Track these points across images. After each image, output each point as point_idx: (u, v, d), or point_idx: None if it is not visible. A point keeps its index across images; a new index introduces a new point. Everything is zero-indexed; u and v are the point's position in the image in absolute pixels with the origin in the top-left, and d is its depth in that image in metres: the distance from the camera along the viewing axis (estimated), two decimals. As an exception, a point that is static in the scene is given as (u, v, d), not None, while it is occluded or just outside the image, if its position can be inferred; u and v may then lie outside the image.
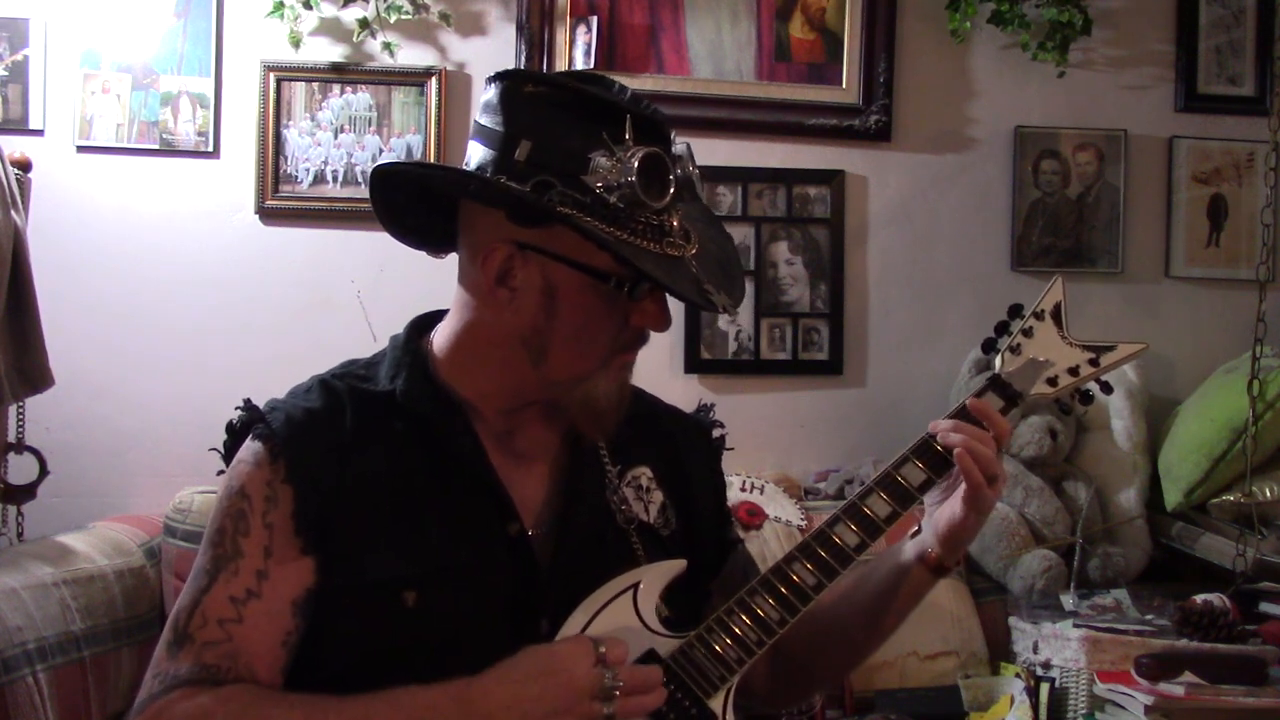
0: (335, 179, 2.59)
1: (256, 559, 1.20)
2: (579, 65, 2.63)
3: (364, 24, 2.53)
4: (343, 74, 2.59)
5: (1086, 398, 1.40)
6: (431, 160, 2.58)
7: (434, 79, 2.61)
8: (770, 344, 2.75)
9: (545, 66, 2.63)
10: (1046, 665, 2.19)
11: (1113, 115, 2.86)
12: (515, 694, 1.12)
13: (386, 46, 2.55)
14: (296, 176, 2.58)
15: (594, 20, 2.66)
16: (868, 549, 1.30)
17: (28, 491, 2.28)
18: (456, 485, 1.27)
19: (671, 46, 2.72)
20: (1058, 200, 2.84)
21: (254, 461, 1.24)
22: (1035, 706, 2.12)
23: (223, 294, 2.56)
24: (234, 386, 1.43)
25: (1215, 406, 2.54)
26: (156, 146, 2.54)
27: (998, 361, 1.38)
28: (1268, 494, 2.43)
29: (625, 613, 1.24)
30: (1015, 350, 1.38)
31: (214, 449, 1.33)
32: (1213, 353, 2.79)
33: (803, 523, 2.42)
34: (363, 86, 2.60)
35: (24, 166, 2.29)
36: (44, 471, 2.28)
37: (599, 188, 1.17)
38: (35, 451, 2.28)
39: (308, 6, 2.51)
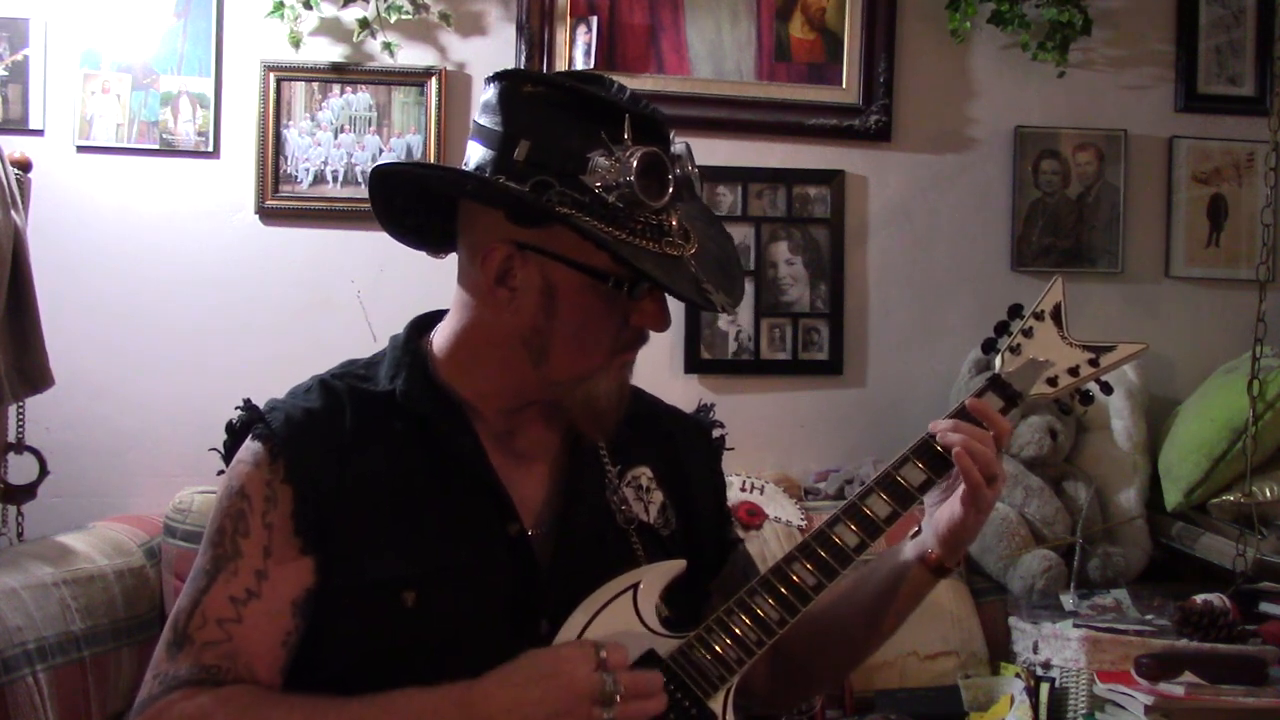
0: (335, 179, 2.59)
1: (256, 559, 1.20)
2: (579, 65, 2.63)
3: (364, 24, 2.53)
4: (343, 74, 2.59)
5: (1086, 398, 1.40)
6: (431, 160, 2.58)
7: (434, 79, 2.61)
8: (770, 344, 2.75)
9: (545, 66, 2.63)
10: (1046, 665, 2.19)
11: (1113, 115, 2.86)
12: (516, 698, 1.12)
13: (386, 46, 2.55)
14: (296, 176, 2.58)
15: (594, 20, 2.66)
16: (868, 549, 1.30)
17: (28, 491, 2.28)
18: (456, 485, 1.27)
19: (671, 46, 2.72)
20: (1058, 200, 2.84)
21: (253, 461, 1.24)
22: (1035, 706, 2.12)
23: (223, 294, 2.56)
24: (234, 386, 1.43)
25: (1215, 406, 2.54)
26: (156, 146, 2.54)
27: (998, 362, 1.38)
28: (1268, 494, 2.43)
29: (625, 613, 1.24)
30: (1015, 350, 1.38)
31: (214, 449, 1.33)
32: (1213, 353, 2.79)
33: (803, 523, 2.42)
34: (363, 86, 2.60)
35: (24, 166, 2.29)
36: (44, 471, 2.28)
37: (598, 187, 1.17)
38: (35, 451, 2.28)
39: (308, 6, 2.51)
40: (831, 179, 2.77)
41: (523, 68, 2.61)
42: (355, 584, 1.22)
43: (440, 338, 1.33)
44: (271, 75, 2.56)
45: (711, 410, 1.54)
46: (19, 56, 2.49)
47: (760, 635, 1.25)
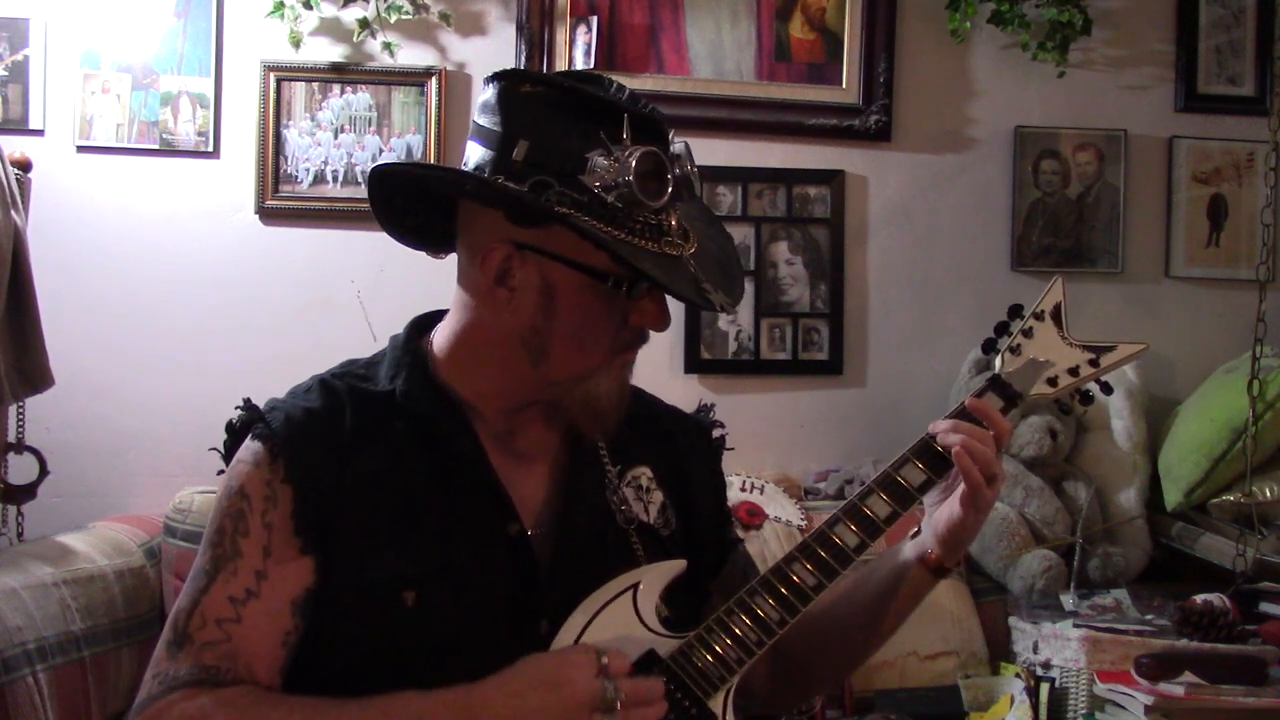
0: (335, 179, 2.59)
1: (255, 559, 1.20)
2: (579, 65, 2.63)
3: (364, 24, 2.53)
4: (343, 74, 2.59)
5: (1086, 398, 1.40)
6: (431, 160, 2.58)
7: (434, 79, 2.61)
8: (770, 344, 2.75)
9: (545, 66, 2.63)
10: (1046, 665, 2.19)
11: (1113, 115, 2.86)
12: (516, 705, 1.12)
13: (386, 46, 2.55)
14: (296, 176, 2.58)
15: (594, 20, 2.66)
16: (868, 549, 1.30)
17: (28, 491, 2.28)
18: (456, 485, 1.27)
19: (671, 46, 2.72)
20: (1058, 200, 2.84)
21: (253, 461, 1.24)
22: (1035, 706, 2.12)
23: (223, 294, 2.56)
24: (234, 386, 1.43)
25: (1215, 406, 2.54)
26: (156, 146, 2.54)
27: (998, 362, 1.38)
28: (1268, 494, 2.43)
29: (625, 613, 1.24)
30: (1015, 350, 1.38)
31: (214, 449, 1.33)
32: (1213, 353, 2.79)
33: (803, 523, 2.42)
34: (363, 86, 2.60)
35: (24, 166, 2.29)
36: (44, 471, 2.28)
37: (597, 187, 1.17)
38: (35, 451, 2.28)
39: (308, 6, 2.51)
40: (831, 179, 2.77)
41: (522, 68, 2.61)
42: (355, 584, 1.21)
43: (440, 338, 1.33)
44: (271, 75, 2.56)
45: (711, 410, 1.54)
46: (19, 56, 2.49)
47: (760, 635, 1.25)
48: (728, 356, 2.73)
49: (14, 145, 2.34)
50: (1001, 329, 1.41)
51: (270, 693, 1.18)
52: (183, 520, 2.21)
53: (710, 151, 2.64)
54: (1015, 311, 1.42)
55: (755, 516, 2.38)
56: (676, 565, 1.29)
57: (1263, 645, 2.15)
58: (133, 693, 1.22)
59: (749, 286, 2.70)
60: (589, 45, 2.65)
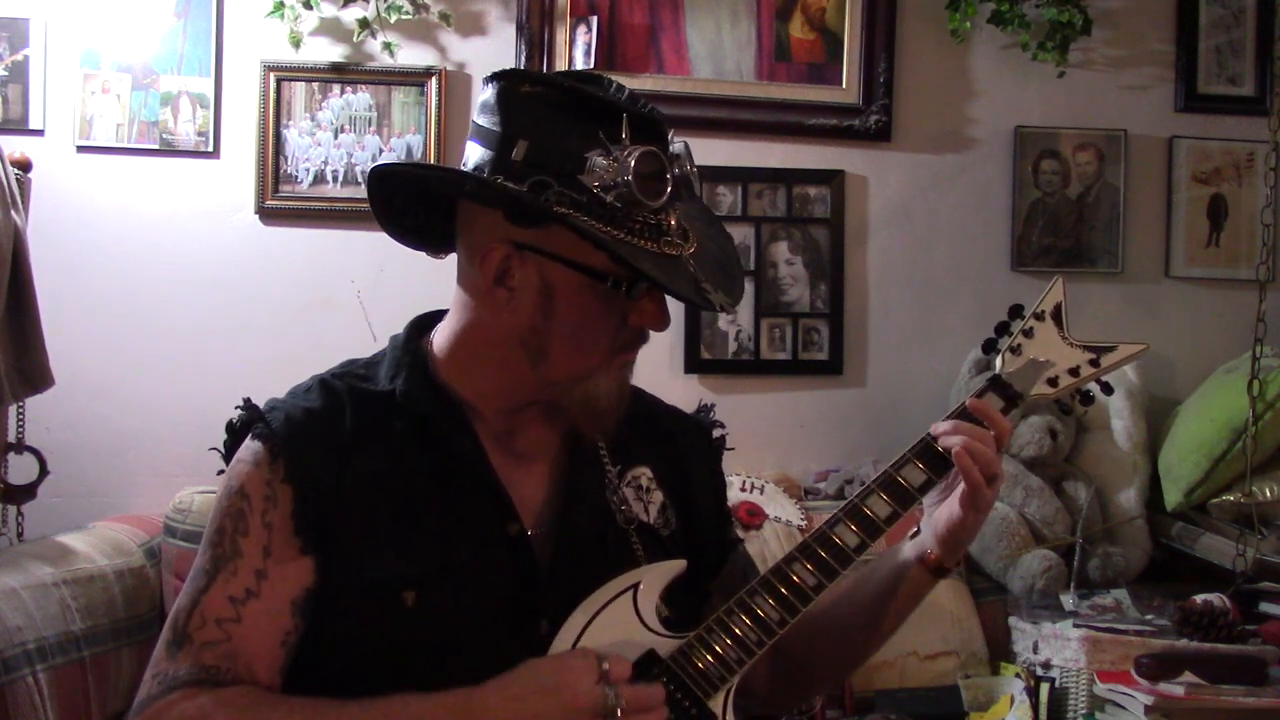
0: (335, 179, 2.59)
1: (255, 559, 1.20)
2: (579, 65, 2.63)
3: (364, 24, 2.53)
4: (343, 74, 2.59)
5: (1087, 398, 1.40)
6: (431, 160, 2.58)
7: (434, 79, 2.61)
8: (770, 344, 2.75)
9: (545, 66, 2.63)
10: (1046, 665, 2.19)
11: (1113, 115, 2.86)
12: (516, 709, 1.12)
13: (386, 46, 2.55)
14: (296, 176, 2.58)
15: (594, 20, 2.66)
16: (868, 549, 1.30)
17: (28, 491, 2.28)
18: (456, 485, 1.27)
19: (671, 46, 2.72)
20: (1058, 200, 2.84)
21: (253, 461, 1.24)
22: (1035, 706, 2.12)
23: (223, 294, 2.56)
24: (234, 386, 1.43)
25: (1215, 406, 2.54)
26: (156, 146, 2.54)
27: (998, 362, 1.38)
28: (1268, 494, 2.43)
29: (625, 613, 1.24)
30: (1016, 351, 1.38)
31: (214, 449, 1.33)
32: (1213, 353, 2.79)
33: (803, 523, 2.42)
34: (363, 86, 2.60)
35: (24, 166, 2.29)
36: (44, 471, 2.28)
37: (596, 187, 1.17)
38: (35, 451, 2.28)
39: (308, 6, 2.51)
40: (831, 179, 2.77)
41: (522, 68, 2.61)
42: (355, 584, 1.21)
43: (440, 338, 1.33)
44: (271, 75, 2.56)
45: (712, 410, 1.53)
46: (19, 56, 2.49)
47: (760, 635, 1.25)
48: (728, 356, 2.73)
49: (14, 145, 2.34)
50: (1002, 329, 1.41)
51: (270, 693, 1.18)
52: (183, 520, 2.21)
53: (710, 151, 2.64)
54: (1016, 311, 1.42)
55: (755, 516, 2.38)
56: (676, 565, 1.29)
57: (1263, 645, 2.15)
58: (133, 693, 1.22)
59: (749, 286, 2.70)
60: (589, 45, 2.65)
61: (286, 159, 2.58)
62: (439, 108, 2.60)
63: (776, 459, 2.70)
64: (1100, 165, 2.84)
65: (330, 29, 2.59)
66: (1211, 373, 2.72)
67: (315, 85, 2.59)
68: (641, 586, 1.25)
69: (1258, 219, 2.65)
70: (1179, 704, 1.96)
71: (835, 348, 2.77)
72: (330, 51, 2.59)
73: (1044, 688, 2.15)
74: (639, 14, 2.70)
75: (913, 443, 1.33)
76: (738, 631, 1.25)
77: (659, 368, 2.65)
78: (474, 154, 1.24)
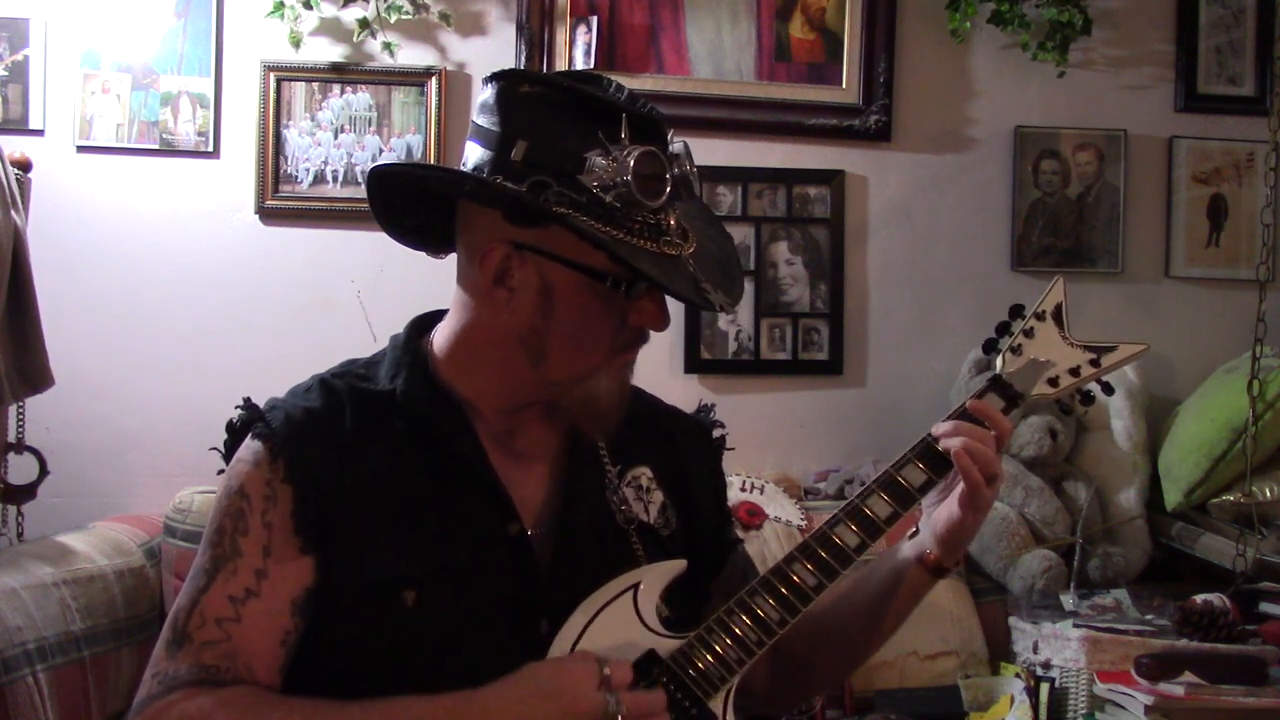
0: (335, 179, 2.59)
1: (255, 558, 1.20)
2: (579, 65, 2.63)
3: (364, 24, 2.53)
4: (343, 74, 2.59)
5: (1087, 398, 1.40)
6: (431, 160, 2.59)
7: (434, 79, 2.61)
8: (770, 344, 2.75)
9: (545, 66, 2.63)
10: (1046, 665, 2.19)
11: (1113, 115, 2.86)
12: (518, 713, 1.12)
13: (386, 46, 2.55)
14: (296, 176, 2.58)
15: (594, 20, 2.66)
16: (868, 550, 1.30)
17: (28, 491, 2.28)
18: (456, 485, 1.27)
19: (671, 46, 2.72)
20: (1058, 200, 2.84)
21: (253, 460, 1.24)
22: (1035, 706, 2.12)
23: (223, 294, 2.56)
24: (234, 386, 1.43)
25: (1215, 406, 2.54)
26: (156, 146, 2.54)
27: (999, 362, 1.38)
28: (1268, 494, 2.43)
29: (625, 613, 1.24)
30: (1016, 351, 1.38)
31: (214, 448, 1.33)
32: (1213, 353, 2.79)
33: (803, 523, 2.42)
34: (363, 86, 2.60)
35: (24, 166, 2.29)
36: (44, 471, 2.28)
37: (595, 187, 1.17)
38: (35, 451, 2.28)
39: (308, 6, 2.51)
40: (831, 179, 2.77)
41: (522, 68, 2.61)
42: (355, 583, 1.21)
43: (440, 338, 1.33)
44: (271, 75, 2.56)
45: (712, 410, 1.53)
46: (19, 56, 2.49)
47: (760, 635, 1.25)
48: (728, 356, 2.73)
49: (14, 145, 2.34)
50: (1003, 329, 1.41)
51: (270, 694, 1.18)
52: (183, 520, 2.21)
53: (710, 151, 2.64)
54: (1016, 311, 1.42)
55: (755, 516, 2.38)
56: (677, 565, 1.29)
57: (1263, 645, 2.15)
58: (133, 693, 1.22)
59: (749, 286, 2.70)
60: (589, 45, 2.65)
61: (286, 159, 2.58)
62: (439, 108, 2.61)
63: (776, 459, 2.70)
64: (1100, 165, 2.84)
65: (330, 29, 2.59)
66: (1211, 373, 2.72)
67: (315, 85, 2.59)
68: (642, 586, 1.25)
69: (1258, 219, 2.65)
70: (1179, 704, 1.96)
71: (835, 348, 2.77)
72: (330, 51, 2.59)
73: (1044, 688, 2.15)
74: (639, 14, 2.70)
75: (913, 443, 1.33)
76: (738, 631, 1.24)
77: (659, 368, 2.65)
78: (473, 154, 1.24)
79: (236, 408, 1.31)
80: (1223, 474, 2.47)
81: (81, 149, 2.52)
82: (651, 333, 1.28)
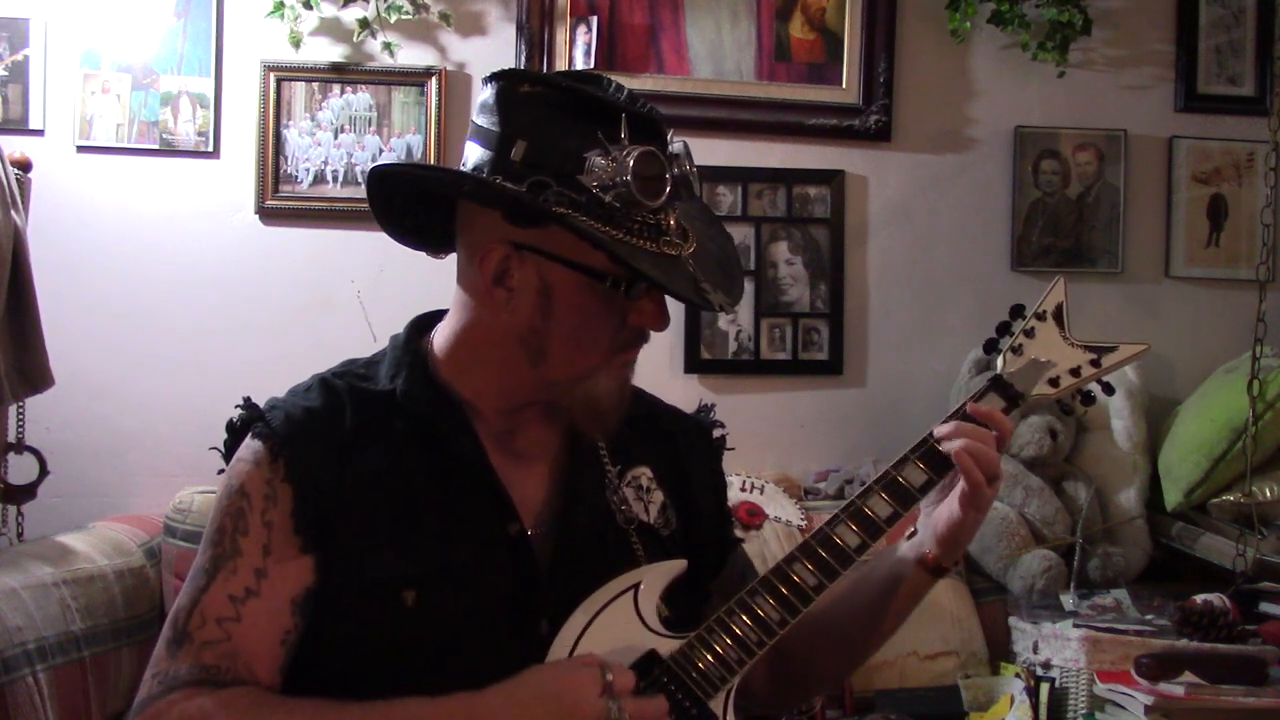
0: (335, 179, 2.59)
1: (255, 558, 1.20)
2: (579, 65, 2.63)
3: (364, 24, 2.53)
4: (343, 74, 2.59)
5: (1088, 398, 1.40)
6: (431, 160, 2.59)
7: (434, 79, 2.61)
8: (770, 344, 2.75)
9: (545, 66, 2.63)
10: (1046, 665, 2.19)
11: (1113, 115, 2.86)
12: (519, 716, 1.12)
13: (386, 46, 2.55)
14: (296, 176, 2.58)
15: (594, 20, 2.66)
16: (869, 550, 1.30)
17: (28, 491, 2.28)
18: (456, 485, 1.27)
19: (671, 46, 2.72)
20: (1058, 200, 2.84)
21: (253, 460, 1.24)
22: (1035, 706, 2.12)
23: (223, 294, 2.56)
24: (234, 386, 1.43)
25: (1215, 406, 2.54)
26: (156, 146, 2.54)
27: (999, 362, 1.38)
28: (1268, 494, 2.43)
29: (626, 613, 1.24)
30: (1017, 351, 1.38)
31: (214, 448, 1.33)
32: (1213, 353, 2.79)
33: (803, 523, 2.42)
34: (363, 86, 2.60)
35: (24, 166, 2.29)
36: (44, 471, 2.28)
37: (594, 187, 1.17)
38: (35, 451, 2.28)
39: (308, 6, 2.51)
40: (831, 179, 2.77)
41: (522, 68, 2.61)
42: (355, 583, 1.21)
43: (440, 337, 1.33)
44: (271, 75, 2.56)
45: (712, 410, 1.53)
46: (19, 56, 2.49)
47: (761, 636, 1.25)
48: (728, 356, 2.73)
49: (14, 145, 2.34)
50: (1003, 329, 1.41)
51: (271, 694, 1.18)
52: (183, 520, 2.21)
53: (710, 151, 2.64)
54: (1017, 311, 1.41)
55: (755, 516, 2.38)
56: (677, 565, 1.29)
57: (1263, 645, 2.16)
58: (133, 693, 1.22)
59: (749, 286, 2.70)
60: (589, 45, 2.65)
61: (286, 159, 2.58)
62: (439, 108, 2.61)
63: (776, 459, 2.70)
64: (1100, 165, 2.84)
65: (330, 29, 2.59)
66: (1211, 373, 2.72)
67: (315, 85, 2.59)
68: (642, 586, 1.25)
69: (1258, 219, 2.65)
70: (1179, 704, 1.96)
71: (835, 348, 2.77)
72: (330, 51, 2.59)
73: (1044, 688, 2.15)
74: (639, 14, 2.70)
75: (913, 443, 1.33)
76: (738, 632, 1.24)
77: (659, 368, 2.65)
78: (473, 154, 1.24)
79: (236, 407, 1.31)
80: (1223, 474, 2.47)
81: (81, 149, 2.52)
82: (651, 333, 1.28)
